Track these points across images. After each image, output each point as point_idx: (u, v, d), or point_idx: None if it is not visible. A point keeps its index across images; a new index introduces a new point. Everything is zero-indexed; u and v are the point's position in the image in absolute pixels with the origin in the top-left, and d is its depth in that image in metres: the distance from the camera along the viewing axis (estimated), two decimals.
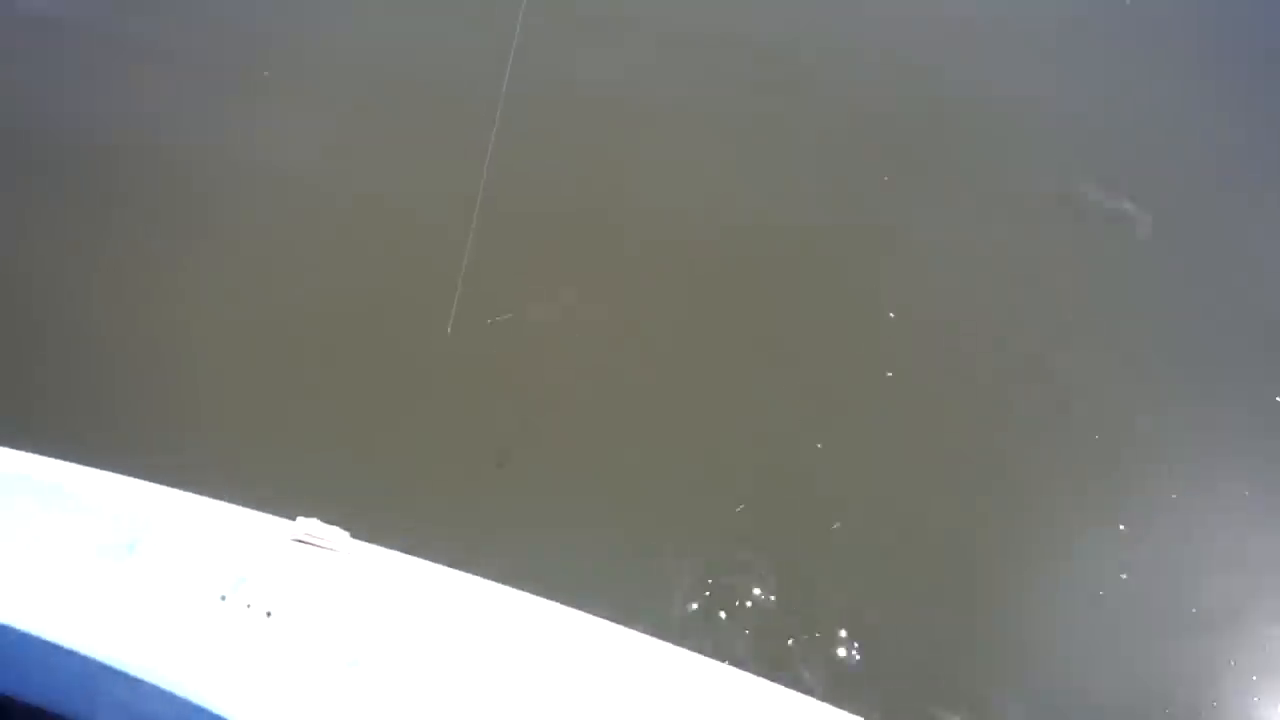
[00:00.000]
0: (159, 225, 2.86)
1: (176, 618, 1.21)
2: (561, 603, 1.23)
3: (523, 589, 1.24)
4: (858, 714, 1.14)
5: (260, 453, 2.33)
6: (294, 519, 1.30)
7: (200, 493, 1.35)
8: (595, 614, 1.22)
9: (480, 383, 2.55)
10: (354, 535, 1.31)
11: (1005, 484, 2.49)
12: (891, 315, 2.71)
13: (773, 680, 1.17)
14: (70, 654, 1.20)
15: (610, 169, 3.04)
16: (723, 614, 2.20)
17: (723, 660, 1.20)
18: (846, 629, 2.18)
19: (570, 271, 2.78)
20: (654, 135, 3.12)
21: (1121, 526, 2.39)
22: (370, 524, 1.33)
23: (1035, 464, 2.51)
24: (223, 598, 1.23)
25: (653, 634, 1.19)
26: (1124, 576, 2.30)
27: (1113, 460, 2.52)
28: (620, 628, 1.21)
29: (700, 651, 1.18)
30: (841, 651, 2.15)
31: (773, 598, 2.23)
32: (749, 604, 2.22)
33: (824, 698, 1.16)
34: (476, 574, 1.27)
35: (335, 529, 1.30)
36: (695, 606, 2.21)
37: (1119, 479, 2.51)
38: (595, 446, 2.46)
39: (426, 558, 1.29)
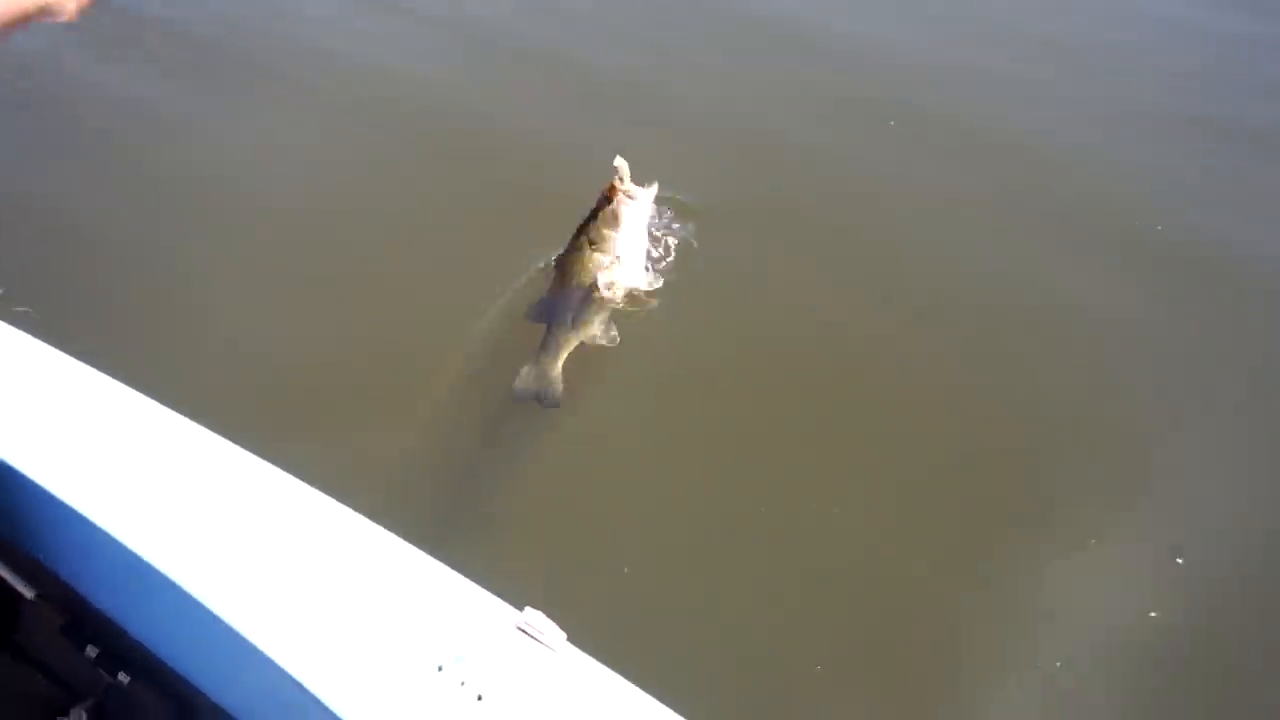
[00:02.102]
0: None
1: (393, 677, 1.23)
2: None
3: None
4: None
5: (503, 535, 2.40)
6: (522, 608, 1.30)
7: (439, 557, 1.39)
8: None
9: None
10: (571, 639, 1.29)
11: None
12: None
13: None
14: (282, 675, 1.24)
15: None
16: None
17: None
18: None
19: None
20: None
21: None
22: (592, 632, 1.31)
23: None
24: (439, 669, 1.24)
25: None
26: None
27: None
28: None
29: None
30: None
31: None
32: None
33: None
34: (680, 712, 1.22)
35: (555, 628, 1.29)
36: None
37: None
38: None
39: (637, 682, 1.26)
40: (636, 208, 2.64)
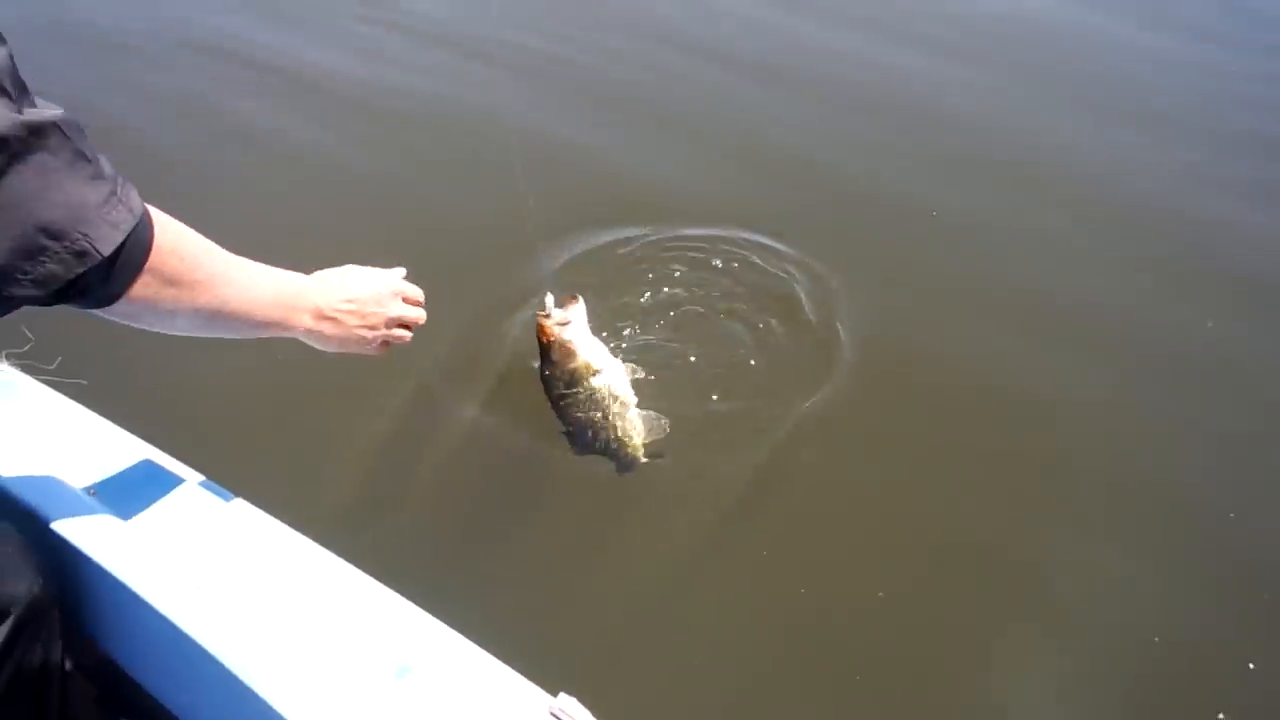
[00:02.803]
0: None
1: None
2: None
3: None
4: None
5: (537, 619, 2.40)
6: (556, 694, 1.30)
7: (472, 637, 1.40)
8: None
9: None
10: None
11: None
12: None
13: None
14: None
15: None
16: None
17: None
18: None
19: None
20: None
21: None
22: None
23: None
24: None
25: None
26: None
27: None
28: None
29: None
30: None
31: None
32: None
33: None
34: None
35: (589, 715, 1.29)
36: None
37: None
38: None
39: None
40: (577, 326, 2.58)
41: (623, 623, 2.43)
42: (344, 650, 1.35)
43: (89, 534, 1.46)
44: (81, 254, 1.06)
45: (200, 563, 1.46)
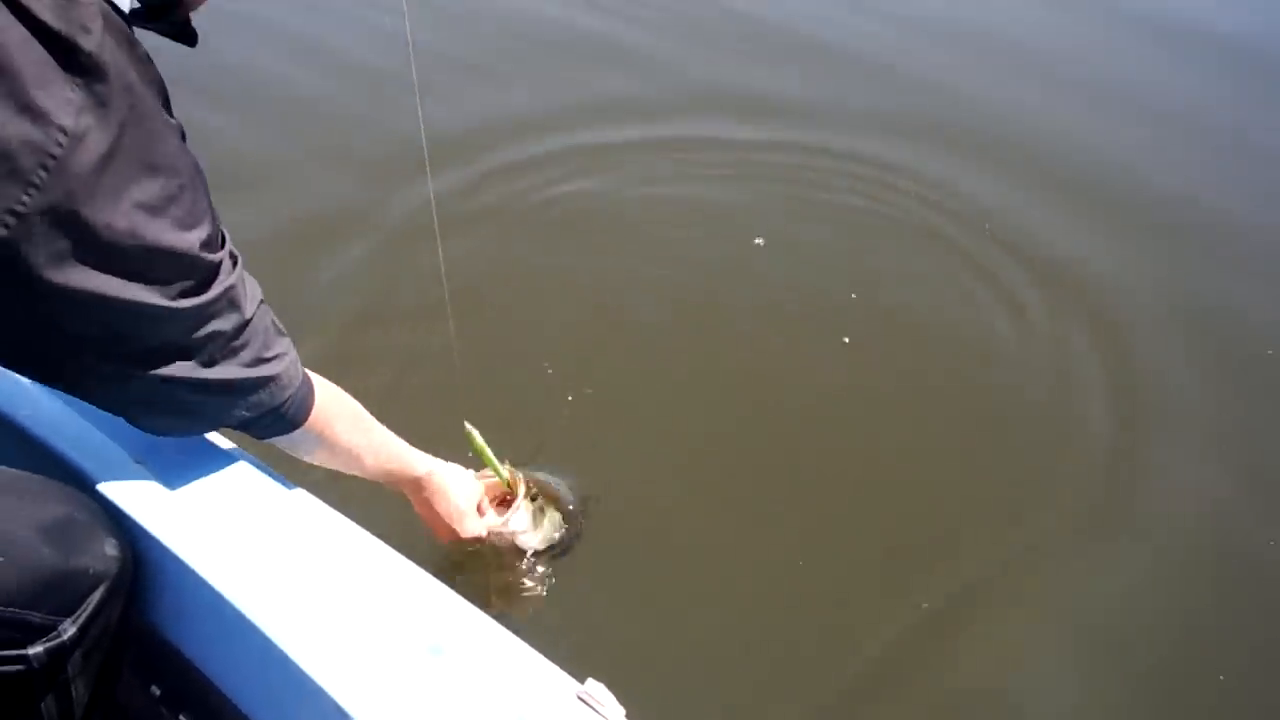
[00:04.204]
0: None
1: None
2: None
3: None
4: None
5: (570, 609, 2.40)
6: (584, 680, 1.33)
7: (505, 623, 1.44)
8: None
9: None
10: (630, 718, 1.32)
11: None
12: None
13: None
14: None
15: None
16: None
17: None
18: None
19: None
20: None
21: None
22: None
23: None
24: None
25: None
26: None
27: None
28: None
29: None
30: None
31: None
32: None
33: None
34: None
35: (615, 702, 1.32)
36: None
37: None
38: None
39: None
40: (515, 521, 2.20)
41: (655, 615, 2.42)
42: (381, 628, 1.38)
43: (135, 499, 1.50)
44: (278, 389, 1.42)
45: (244, 535, 1.50)
